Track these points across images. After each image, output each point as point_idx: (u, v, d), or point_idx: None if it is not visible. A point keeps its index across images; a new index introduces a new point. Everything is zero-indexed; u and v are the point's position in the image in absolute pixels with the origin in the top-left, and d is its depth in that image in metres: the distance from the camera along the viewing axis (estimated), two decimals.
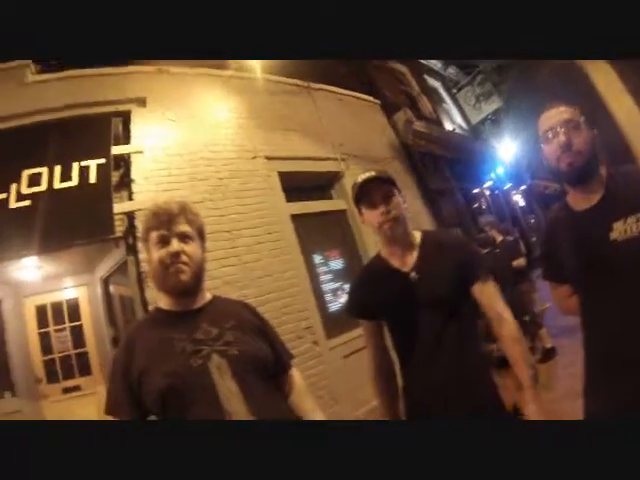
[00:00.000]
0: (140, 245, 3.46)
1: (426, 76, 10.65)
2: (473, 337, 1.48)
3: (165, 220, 1.24)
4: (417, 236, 1.54)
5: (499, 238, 5.04)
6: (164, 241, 1.23)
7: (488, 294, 1.46)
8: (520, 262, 4.87)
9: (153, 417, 1.21)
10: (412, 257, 1.49)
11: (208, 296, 1.35)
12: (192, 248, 1.26)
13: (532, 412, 1.33)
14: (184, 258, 1.23)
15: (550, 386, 3.69)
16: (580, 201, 1.35)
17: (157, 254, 1.23)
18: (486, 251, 4.36)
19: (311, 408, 1.38)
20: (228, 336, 1.22)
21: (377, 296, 1.52)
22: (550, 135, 1.33)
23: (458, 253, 1.48)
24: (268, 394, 1.24)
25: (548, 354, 4.51)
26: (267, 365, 1.28)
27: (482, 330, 1.66)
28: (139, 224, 3.49)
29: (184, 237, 1.25)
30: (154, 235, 1.25)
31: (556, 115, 1.34)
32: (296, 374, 1.44)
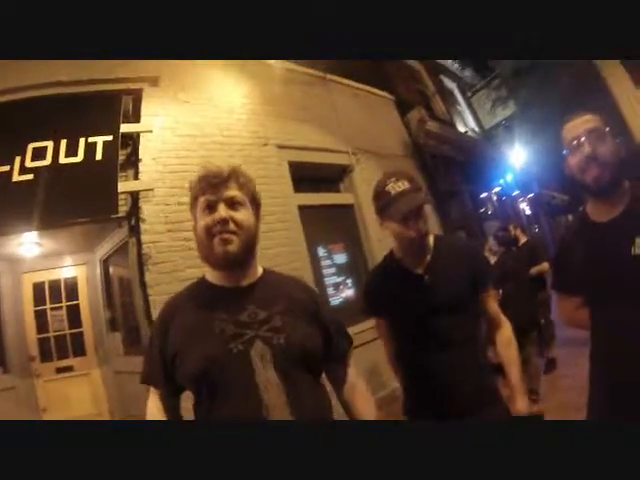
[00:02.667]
0: (143, 227, 3.38)
1: (442, 76, 10.53)
2: (479, 341, 1.51)
3: (213, 184, 1.11)
4: (430, 239, 1.54)
5: (523, 239, 4.78)
6: (211, 207, 1.11)
7: (491, 300, 1.56)
8: (544, 267, 4.40)
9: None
10: (425, 260, 1.50)
11: (260, 271, 1.21)
12: (242, 215, 1.12)
13: (521, 406, 1.41)
14: (232, 226, 1.09)
15: (548, 398, 3.59)
16: (601, 212, 1.31)
17: (203, 221, 1.11)
18: (503, 250, 4.14)
19: (368, 412, 1.23)
20: (276, 321, 1.08)
21: (392, 297, 1.53)
22: (575, 145, 1.28)
23: (470, 261, 1.52)
24: (312, 389, 1.11)
25: (549, 365, 4.33)
26: (315, 355, 1.12)
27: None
28: (143, 205, 3.41)
29: (233, 203, 1.12)
30: (201, 200, 1.13)
31: (581, 124, 1.29)
32: (352, 367, 1.28)
